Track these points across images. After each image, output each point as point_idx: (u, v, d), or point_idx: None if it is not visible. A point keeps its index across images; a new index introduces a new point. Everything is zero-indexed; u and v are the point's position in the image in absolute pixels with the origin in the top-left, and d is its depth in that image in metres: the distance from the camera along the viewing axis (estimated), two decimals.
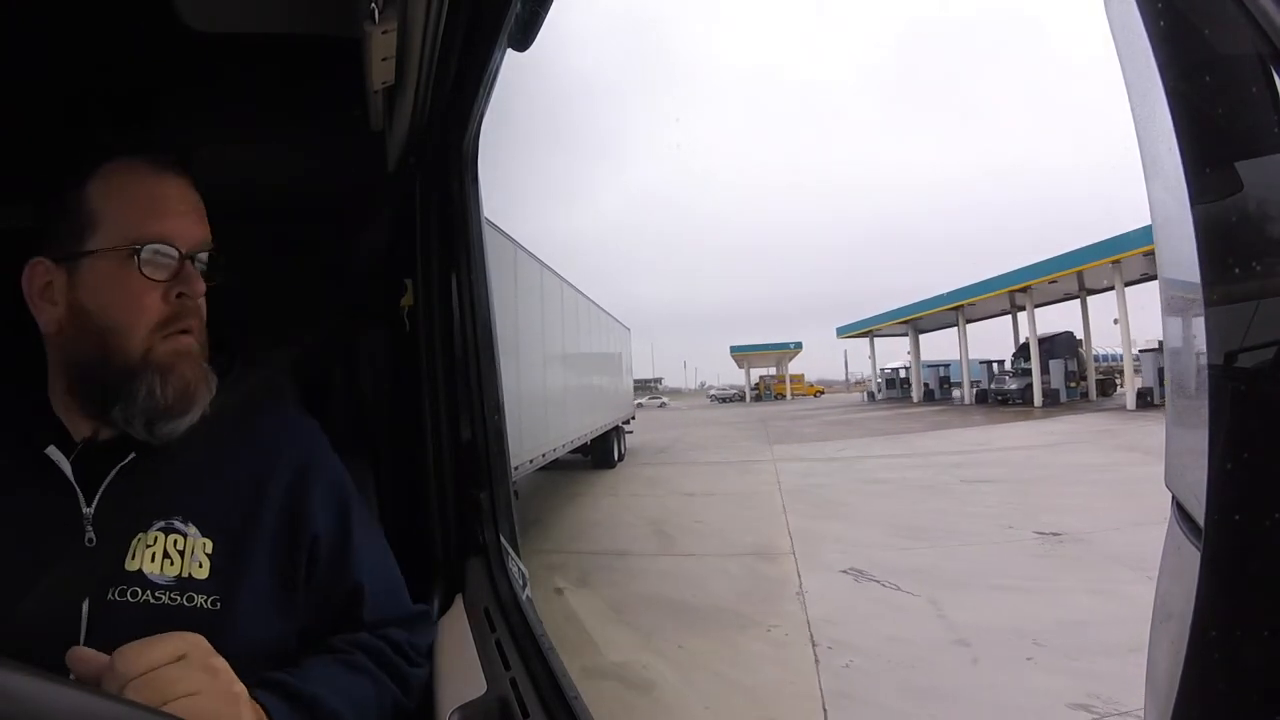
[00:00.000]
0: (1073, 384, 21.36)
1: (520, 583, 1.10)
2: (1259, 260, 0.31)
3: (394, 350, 1.29)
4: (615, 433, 11.90)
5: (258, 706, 0.64)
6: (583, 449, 10.22)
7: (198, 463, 0.76)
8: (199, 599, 0.72)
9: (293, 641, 0.77)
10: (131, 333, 0.72)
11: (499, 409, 1.22)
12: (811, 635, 4.33)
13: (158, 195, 0.74)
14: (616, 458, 11.85)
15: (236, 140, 1.21)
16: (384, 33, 0.86)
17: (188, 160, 0.78)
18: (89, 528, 0.72)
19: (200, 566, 0.72)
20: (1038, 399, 19.73)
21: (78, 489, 0.73)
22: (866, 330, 31.99)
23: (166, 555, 0.72)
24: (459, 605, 1.05)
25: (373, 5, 0.82)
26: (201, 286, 0.75)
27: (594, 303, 11.24)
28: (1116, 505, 6.63)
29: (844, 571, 5.66)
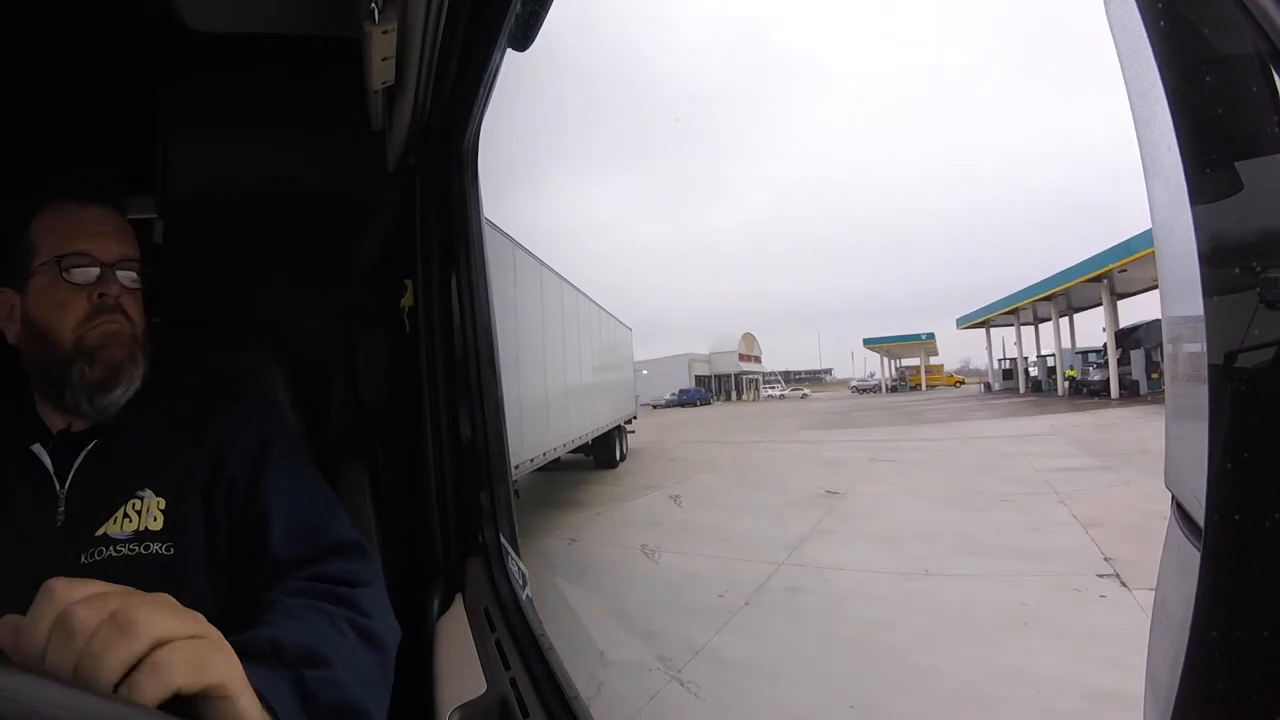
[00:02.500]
0: (1154, 375, 20.65)
1: (520, 583, 1.10)
2: (1259, 260, 0.31)
3: (394, 350, 1.29)
4: (617, 432, 11.81)
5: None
6: (584, 449, 10.22)
7: (152, 436, 0.88)
8: (154, 547, 0.82)
9: (226, 587, 0.83)
10: (63, 328, 0.85)
11: (499, 409, 1.22)
12: (601, 511, 8.19)
13: (79, 221, 0.88)
14: (618, 457, 11.78)
15: (236, 140, 1.21)
16: (384, 33, 0.86)
17: (115, 192, 0.93)
18: (61, 508, 0.82)
19: (155, 520, 0.83)
20: (1114, 391, 19.29)
21: (54, 476, 0.84)
22: (982, 321, 30.87)
23: (126, 516, 0.83)
24: (459, 605, 1.05)
25: (373, 5, 0.82)
26: (117, 288, 0.88)
27: (594, 302, 11.21)
28: (939, 483, 8.63)
29: (669, 495, 8.84)
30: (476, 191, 1.20)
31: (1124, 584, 4.73)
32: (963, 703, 3.44)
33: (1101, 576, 4.96)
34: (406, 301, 1.25)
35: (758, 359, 42.71)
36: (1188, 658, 0.32)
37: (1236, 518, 0.31)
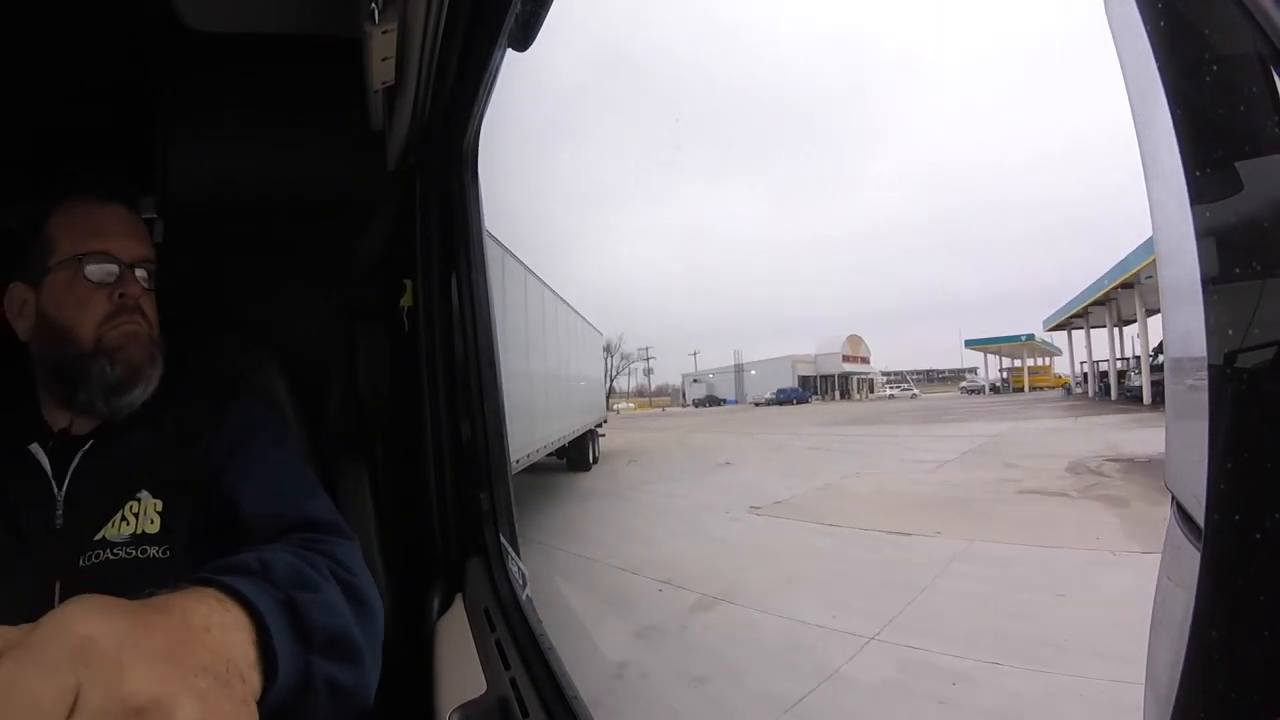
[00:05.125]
0: None
1: (520, 583, 1.10)
2: (1259, 260, 0.31)
3: (394, 350, 1.29)
4: (590, 436, 11.77)
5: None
6: (559, 452, 10.25)
7: (150, 437, 0.87)
8: (151, 550, 0.81)
9: None
10: (82, 327, 0.85)
11: (499, 409, 1.22)
12: (556, 480, 10.44)
13: (100, 220, 0.88)
14: (591, 460, 11.76)
15: (236, 140, 1.21)
16: (384, 33, 0.86)
17: (132, 193, 0.93)
18: (59, 511, 0.81)
19: (152, 523, 0.82)
20: (1145, 397, 19.27)
21: (51, 477, 0.82)
22: (1062, 323, 30.06)
23: (124, 519, 0.82)
24: (459, 605, 1.05)
25: (373, 5, 0.82)
26: (137, 289, 0.88)
27: (572, 308, 11.22)
28: (807, 464, 10.85)
29: (629, 461, 12.45)
30: (477, 191, 1.21)
31: (751, 512, 7.43)
32: (600, 528, 7.02)
33: (751, 508, 7.56)
34: (406, 301, 1.25)
35: (864, 360, 43.71)
36: (1188, 658, 0.32)
37: (1236, 518, 0.31)
